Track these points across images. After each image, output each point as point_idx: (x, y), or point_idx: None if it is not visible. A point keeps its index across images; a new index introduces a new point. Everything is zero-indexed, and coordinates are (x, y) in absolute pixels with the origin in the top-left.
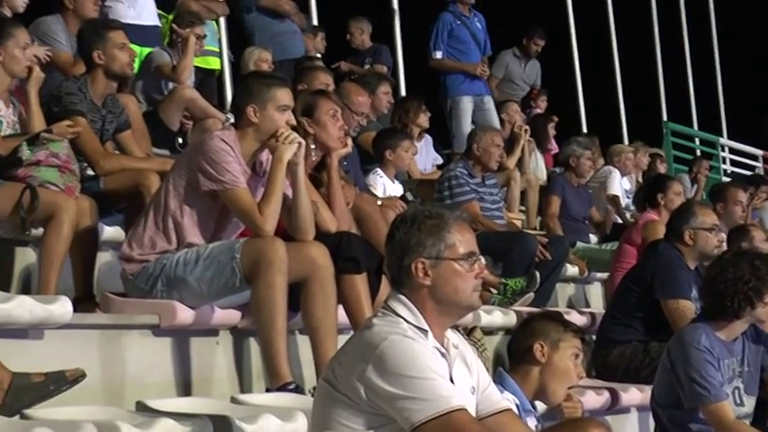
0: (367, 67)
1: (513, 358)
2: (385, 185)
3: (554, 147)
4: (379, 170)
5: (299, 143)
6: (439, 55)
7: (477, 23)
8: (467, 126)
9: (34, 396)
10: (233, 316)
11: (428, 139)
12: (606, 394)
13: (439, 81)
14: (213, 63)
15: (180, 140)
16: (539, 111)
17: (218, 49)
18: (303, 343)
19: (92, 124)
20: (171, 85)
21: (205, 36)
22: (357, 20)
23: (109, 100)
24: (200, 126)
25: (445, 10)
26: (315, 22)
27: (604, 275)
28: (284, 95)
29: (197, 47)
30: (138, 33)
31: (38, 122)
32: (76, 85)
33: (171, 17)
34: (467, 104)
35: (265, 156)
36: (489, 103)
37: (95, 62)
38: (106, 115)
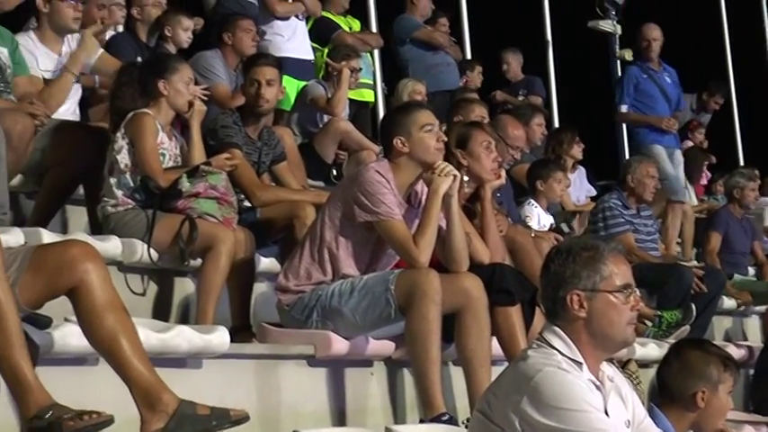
0: (521, 98)
1: (666, 394)
2: (539, 216)
3: (704, 178)
4: (532, 200)
5: (455, 176)
6: (624, 108)
7: (667, 78)
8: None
9: (196, 428)
10: (387, 347)
11: (581, 170)
12: (764, 429)
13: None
14: (367, 95)
15: (335, 172)
16: (692, 143)
17: (372, 82)
18: (457, 374)
19: (248, 156)
20: (326, 117)
21: (360, 69)
22: (510, 51)
23: (265, 132)
24: (355, 158)
25: (633, 64)
26: (468, 53)
27: (762, 308)
28: (423, 116)
29: (352, 80)
30: (296, 66)
31: (198, 155)
32: (231, 118)
33: (326, 50)
34: (660, 151)
35: (420, 187)
36: (679, 157)
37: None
38: (262, 147)
